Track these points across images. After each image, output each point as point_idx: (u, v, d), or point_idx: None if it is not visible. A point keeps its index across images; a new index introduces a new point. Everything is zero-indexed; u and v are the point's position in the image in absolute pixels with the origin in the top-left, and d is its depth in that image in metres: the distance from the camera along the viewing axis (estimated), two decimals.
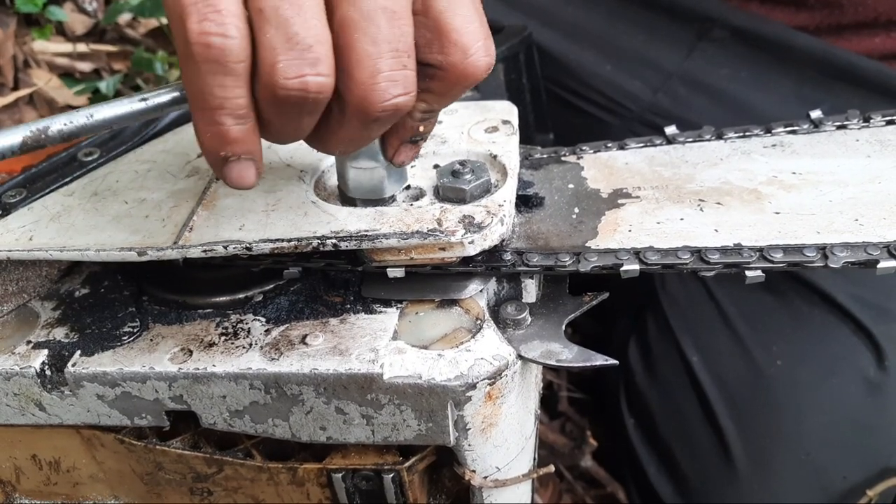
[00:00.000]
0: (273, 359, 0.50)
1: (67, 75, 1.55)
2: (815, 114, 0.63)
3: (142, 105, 0.44)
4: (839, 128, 0.62)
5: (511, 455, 0.55)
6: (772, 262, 0.51)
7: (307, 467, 0.55)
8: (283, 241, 0.51)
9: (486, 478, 0.54)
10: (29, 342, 0.54)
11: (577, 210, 0.58)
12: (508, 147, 0.59)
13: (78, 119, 0.42)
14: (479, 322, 0.52)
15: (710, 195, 0.57)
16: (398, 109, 0.42)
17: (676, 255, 0.52)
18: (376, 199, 0.54)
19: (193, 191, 0.57)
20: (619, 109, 0.96)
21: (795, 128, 0.62)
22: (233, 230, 0.53)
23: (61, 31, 1.63)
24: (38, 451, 0.60)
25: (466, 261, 0.53)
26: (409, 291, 0.54)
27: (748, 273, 0.51)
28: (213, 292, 0.56)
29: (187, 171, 0.60)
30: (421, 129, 0.49)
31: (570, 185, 0.61)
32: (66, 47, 1.59)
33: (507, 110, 0.64)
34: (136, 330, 0.54)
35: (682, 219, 0.55)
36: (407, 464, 0.53)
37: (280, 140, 0.45)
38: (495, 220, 0.52)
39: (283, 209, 0.54)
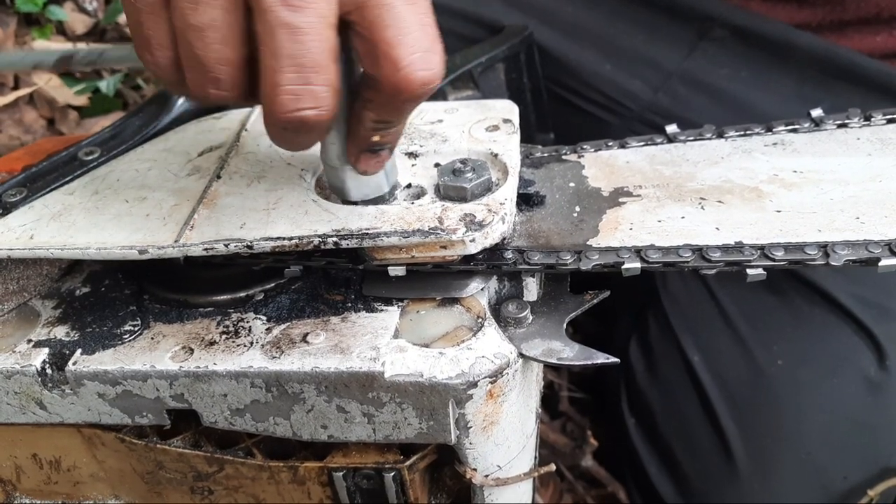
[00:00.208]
0: (274, 357, 0.50)
1: (67, 75, 1.55)
2: (816, 112, 0.63)
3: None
4: (840, 126, 0.62)
5: (512, 454, 0.55)
6: (773, 260, 0.51)
7: (308, 466, 0.55)
8: (284, 239, 0.51)
9: (487, 476, 0.54)
10: (30, 341, 0.54)
11: (578, 208, 0.58)
12: (509, 146, 0.59)
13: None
14: (480, 320, 0.52)
15: (711, 193, 0.57)
16: (305, 122, 0.43)
17: (678, 254, 0.52)
18: (375, 198, 0.54)
19: (194, 189, 0.57)
20: (619, 108, 0.96)
21: (796, 126, 0.62)
22: (234, 228, 0.53)
23: (61, 30, 1.63)
24: (39, 450, 0.60)
25: (467, 259, 0.53)
26: (411, 290, 0.54)
27: (749, 271, 0.51)
28: (214, 291, 0.56)
29: (188, 170, 0.60)
30: (376, 138, 0.49)
31: (571, 184, 0.61)
32: (67, 47, 1.59)
33: (507, 109, 0.64)
34: (136, 328, 0.54)
35: (683, 217, 0.55)
36: (408, 462, 0.53)
37: None
38: (496, 218, 0.52)
39: (284, 208, 0.54)
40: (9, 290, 0.59)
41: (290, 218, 0.53)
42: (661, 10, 0.94)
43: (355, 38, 0.44)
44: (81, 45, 1.60)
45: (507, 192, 0.54)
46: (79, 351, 0.53)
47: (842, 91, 0.85)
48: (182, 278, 0.56)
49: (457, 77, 0.84)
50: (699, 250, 0.52)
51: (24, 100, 1.45)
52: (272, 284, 0.56)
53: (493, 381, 0.49)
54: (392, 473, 0.54)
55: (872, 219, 0.52)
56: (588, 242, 0.54)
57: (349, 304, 0.54)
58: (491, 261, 0.53)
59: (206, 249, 0.52)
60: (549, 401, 1.10)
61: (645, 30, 0.95)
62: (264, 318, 0.54)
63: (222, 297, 0.56)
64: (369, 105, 0.46)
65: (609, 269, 0.52)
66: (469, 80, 0.85)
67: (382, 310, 0.53)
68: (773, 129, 0.62)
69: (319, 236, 0.51)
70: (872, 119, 0.62)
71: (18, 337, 0.55)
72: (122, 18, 1.66)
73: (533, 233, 0.56)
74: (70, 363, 0.52)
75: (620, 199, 0.58)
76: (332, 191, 0.55)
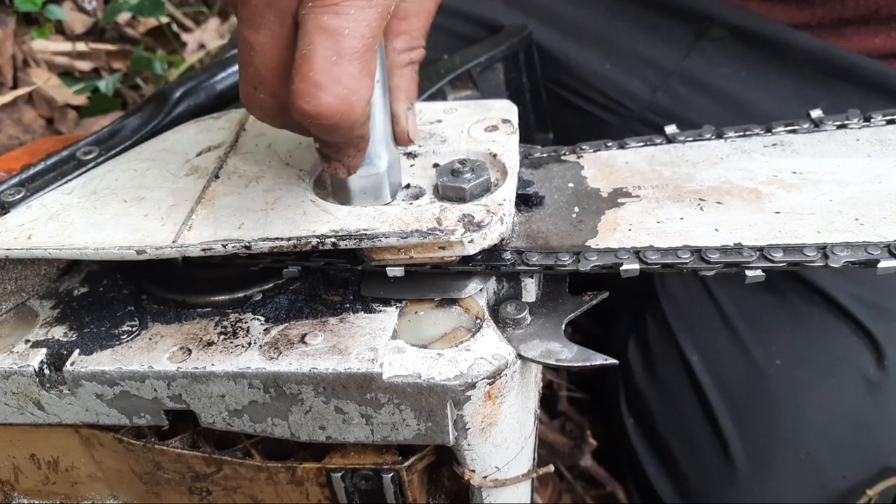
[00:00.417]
0: (272, 358, 0.50)
1: (67, 74, 1.55)
2: (816, 113, 0.63)
3: None
4: (839, 127, 0.62)
5: (510, 455, 0.55)
6: (772, 261, 0.50)
7: (306, 467, 0.55)
8: (282, 239, 0.51)
9: (485, 477, 0.54)
10: (27, 341, 0.54)
11: (576, 209, 0.58)
12: (508, 146, 0.59)
13: None
14: (478, 321, 0.52)
15: (710, 194, 0.57)
16: (270, 124, 0.49)
17: (676, 255, 0.52)
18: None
19: (192, 190, 0.57)
20: (618, 108, 0.95)
21: (796, 127, 0.62)
22: (232, 229, 0.53)
23: (60, 29, 1.63)
24: (37, 451, 0.60)
25: (466, 260, 0.53)
26: (409, 290, 0.54)
27: (748, 272, 0.51)
28: (212, 291, 0.56)
29: (186, 170, 0.60)
30: (320, 145, 0.49)
31: (570, 184, 0.61)
32: (66, 46, 1.59)
33: (506, 109, 0.63)
34: (134, 329, 0.54)
35: (682, 218, 0.55)
36: (406, 463, 0.53)
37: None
38: (495, 218, 0.52)
39: (283, 208, 0.54)
40: (7, 290, 0.59)
41: (288, 218, 0.53)
42: (660, 9, 0.94)
43: None
44: (80, 45, 1.60)
45: (506, 193, 0.54)
46: (76, 351, 0.52)
47: (841, 91, 0.85)
48: (180, 278, 0.56)
49: (456, 77, 0.84)
50: (698, 251, 0.52)
51: (23, 99, 1.45)
52: (270, 285, 0.56)
53: (491, 383, 0.49)
54: (390, 474, 0.54)
55: (872, 220, 0.52)
56: (587, 243, 0.54)
57: (347, 305, 0.54)
58: (489, 261, 0.53)
59: (204, 250, 0.52)
60: (547, 400, 1.10)
61: (644, 30, 0.95)
62: (262, 318, 0.54)
63: (220, 298, 0.56)
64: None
65: (608, 270, 0.52)
66: (468, 80, 0.85)
67: (381, 310, 0.53)
68: (773, 130, 0.62)
69: (318, 237, 0.51)
70: (872, 120, 0.62)
71: (16, 337, 0.55)
72: (122, 18, 1.66)
73: (532, 233, 0.56)
74: (68, 363, 0.52)
75: (619, 200, 0.58)
76: (334, 196, 0.55)
